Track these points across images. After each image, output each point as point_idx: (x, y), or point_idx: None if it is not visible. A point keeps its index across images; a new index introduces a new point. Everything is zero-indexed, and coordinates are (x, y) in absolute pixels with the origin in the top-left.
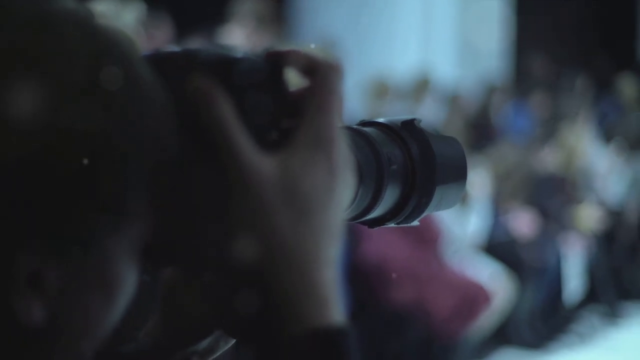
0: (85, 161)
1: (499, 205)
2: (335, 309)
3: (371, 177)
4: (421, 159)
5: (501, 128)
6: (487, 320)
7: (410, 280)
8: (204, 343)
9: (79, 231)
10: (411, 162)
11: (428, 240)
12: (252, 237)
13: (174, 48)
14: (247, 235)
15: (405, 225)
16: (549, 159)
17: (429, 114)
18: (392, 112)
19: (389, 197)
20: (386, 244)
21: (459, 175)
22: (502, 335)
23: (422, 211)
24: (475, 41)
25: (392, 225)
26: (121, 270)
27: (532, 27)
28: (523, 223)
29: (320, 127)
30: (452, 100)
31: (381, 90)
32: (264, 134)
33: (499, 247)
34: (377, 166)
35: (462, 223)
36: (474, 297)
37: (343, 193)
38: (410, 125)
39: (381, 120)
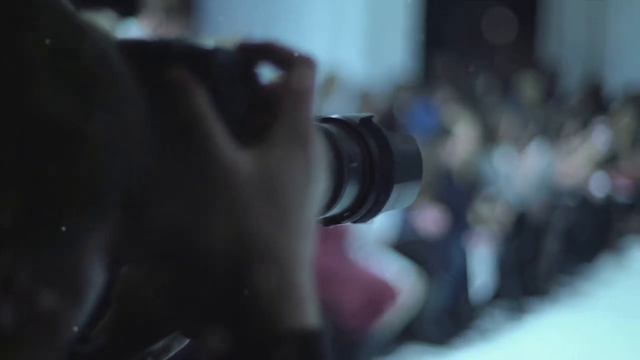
0: (58, 157)
1: None
2: (311, 310)
3: (332, 175)
4: (380, 157)
5: (406, 125)
6: (393, 317)
7: (316, 276)
8: (159, 343)
9: (51, 232)
10: (370, 159)
11: (334, 236)
12: (226, 234)
13: (148, 38)
14: (221, 232)
15: (361, 223)
16: (451, 156)
17: (336, 109)
18: None
19: (347, 195)
20: None
21: (416, 173)
22: (408, 332)
23: (379, 209)
24: (384, 38)
25: (348, 223)
26: (91, 271)
27: (440, 25)
28: (429, 220)
29: (296, 123)
30: (361, 97)
31: None
32: (240, 128)
33: (405, 244)
34: (338, 163)
35: None
36: (380, 293)
37: (319, 190)
38: (368, 123)
39: (338, 116)
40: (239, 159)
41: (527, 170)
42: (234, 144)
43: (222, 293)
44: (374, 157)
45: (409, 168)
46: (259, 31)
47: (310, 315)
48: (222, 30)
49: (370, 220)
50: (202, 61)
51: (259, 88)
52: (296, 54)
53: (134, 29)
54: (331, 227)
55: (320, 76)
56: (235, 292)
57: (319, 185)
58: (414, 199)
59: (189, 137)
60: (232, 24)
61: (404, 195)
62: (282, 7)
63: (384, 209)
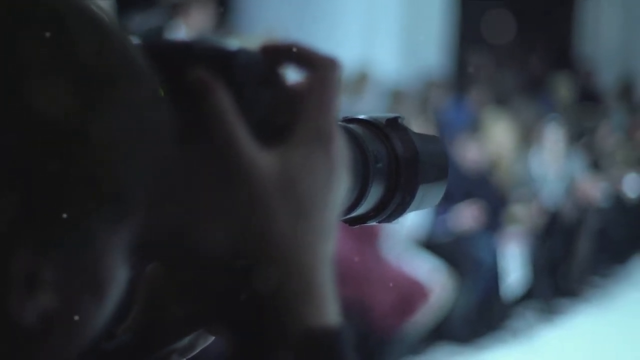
0: (80, 156)
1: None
2: (332, 308)
3: (357, 175)
4: (405, 158)
5: (440, 124)
6: (424, 316)
7: (349, 275)
8: (184, 341)
9: (74, 229)
10: (396, 160)
11: (367, 235)
12: (248, 234)
13: (170, 39)
14: (243, 231)
15: (386, 223)
16: (478, 155)
17: (368, 108)
18: None
19: (373, 195)
20: None
21: (441, 174)
22: (438, 331)
23: (405, 210)
24: (418, 36)
25: (374, 223)
26: (113, 268)
27: (475, 24)
28: (465, 216)
29: (319, 124)
30: (394, 95)
31: None
32: (262, 129)
33: (437, 243)
34: (363, 164)
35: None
36: (411, 293)
37: (340, 191)
38: (394, 123)
39: (364, 117)
40: (260, 159)
41: (562, 170)
42: (256, 144)
43: (242, 291)
44: (400, 157)
45: (435, 169)
46: (294, 29)
47: (331, 313)
48: (257, 29)
49: (395, 221)
50: (224, 62)
51: (281, 89)
52: (319, 55)
53: (168, 23)
54: (363, 226)
55: (352, 74)
56: (255, 290)
57: (341, 185)
58: (439, 199)
59: (210, 137)
60: (267, 22)
61: (429, 196)
62: (317, 5)
63: (409, 209)
